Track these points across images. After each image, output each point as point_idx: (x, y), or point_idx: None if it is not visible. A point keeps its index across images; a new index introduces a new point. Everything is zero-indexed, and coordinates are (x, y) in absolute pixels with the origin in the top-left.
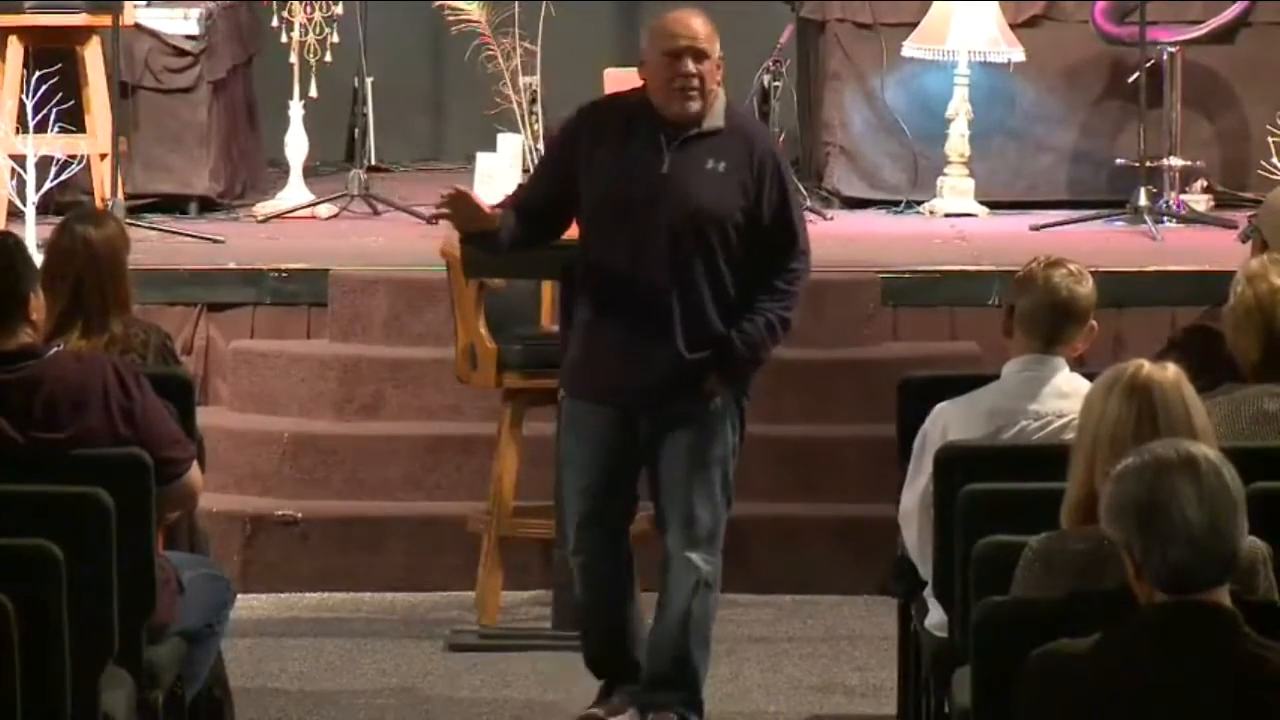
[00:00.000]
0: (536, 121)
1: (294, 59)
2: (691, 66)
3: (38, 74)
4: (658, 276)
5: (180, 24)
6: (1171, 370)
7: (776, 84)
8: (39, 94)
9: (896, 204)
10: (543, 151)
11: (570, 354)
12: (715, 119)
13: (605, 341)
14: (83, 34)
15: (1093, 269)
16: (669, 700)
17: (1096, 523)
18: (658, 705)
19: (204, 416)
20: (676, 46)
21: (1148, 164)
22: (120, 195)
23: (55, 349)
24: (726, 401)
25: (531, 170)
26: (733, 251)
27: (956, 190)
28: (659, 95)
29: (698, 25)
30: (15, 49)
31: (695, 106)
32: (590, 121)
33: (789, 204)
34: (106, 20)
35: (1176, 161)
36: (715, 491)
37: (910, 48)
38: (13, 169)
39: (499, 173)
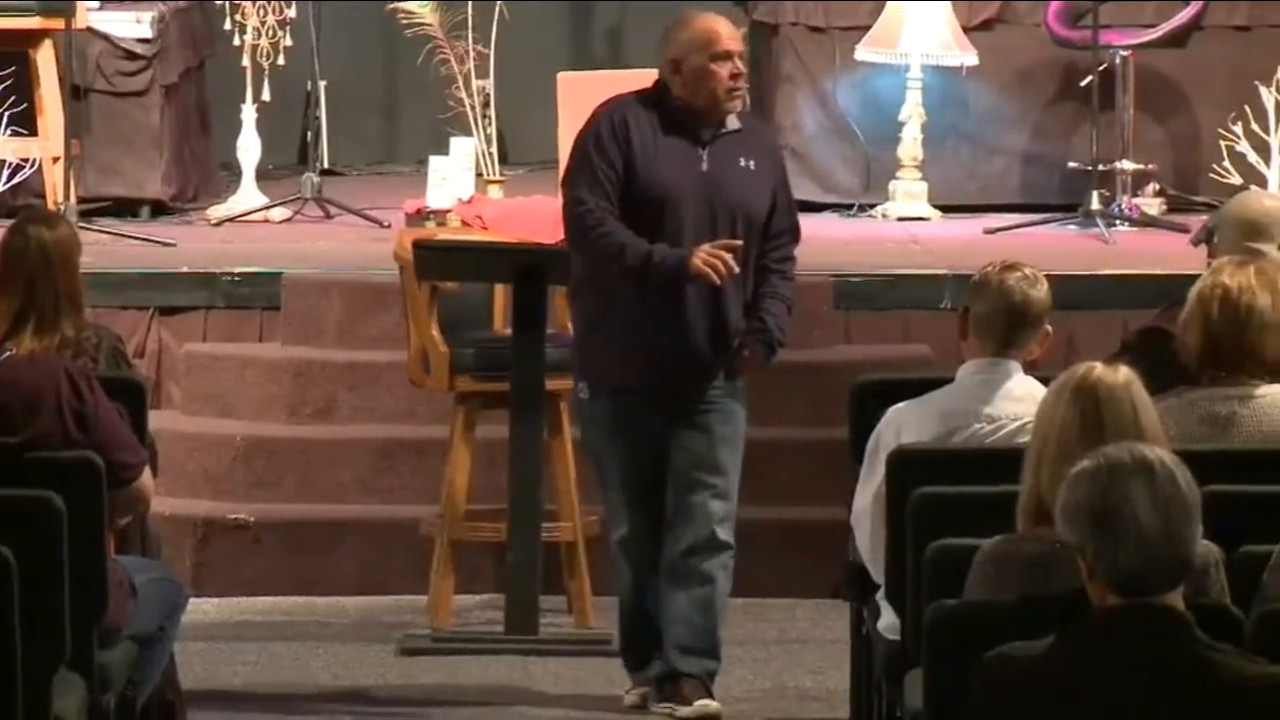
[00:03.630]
0: (489, 125)
1: (246, 62)
2: (738, 67)
3: None
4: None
5: (133, 27)
6: (1122, 373)
7: None
8: None
9: (849, 207)
10: (591, 160)
11: (601, 349)
12: (734, 119)
13: (648, 335)
14: (35, 37)
15: (1045, 272)
16: (701, 669)
17: (1047, 525)
18: (689, 673)
19: (156, 420)
20: (724, 49)
21: (1100, 167)
22: (73, 198)
23: (8, 353)
24: (746, 383)
25: (587, 181)
26: (756, 242)
27: (909, 194)
28: (704, 97)
29: (731, 28)
30: None
31: (739, 105)
32: (627, 120)
33: (791, 195)
34: (59, 23)
35: (1129, 165)
36: (738, 471)
37: (863, 51)
38: None
39: (451, 176)
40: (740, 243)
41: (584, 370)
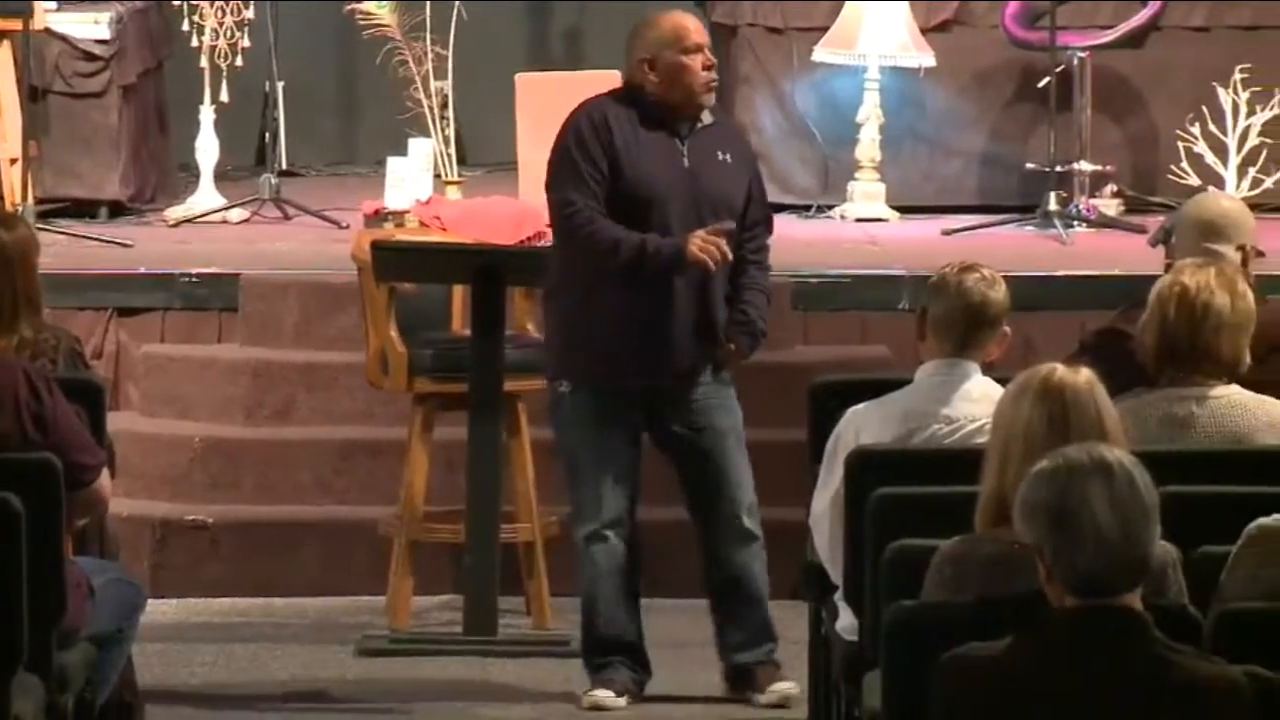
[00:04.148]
0: (448, 126)
1: (204, 63)
2: (710, 58)
3: None
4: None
5: (90, 28)
6: (1084, 374)
7: None
8: None
9: (807, 208)
10: (575, 160)
11: (585, 346)
12: (707, 114)
13: (635, 330)
14: None
15: (1003, 273)
16: (765, 655)
17: (1007, 526)
18: (758, 662)
19: (114, 421)
20: (695, 42)
21: (1058, 168)
22: (30, 199)
23: None
24: (734, 375)
25: (573, 181)
26: (737, 235)
27: (867, 195)
28: (681, 91)
29: (697, 22)
30: None
31: (713, 98)
32: (608, 118)
33: (763, 187)
34: (16, 24)
35: (1086, 166)
36: (748, 460)
37: (821, 52)
38: None
39: (410, 177)
40: (734, 225)
41: (565, 367)
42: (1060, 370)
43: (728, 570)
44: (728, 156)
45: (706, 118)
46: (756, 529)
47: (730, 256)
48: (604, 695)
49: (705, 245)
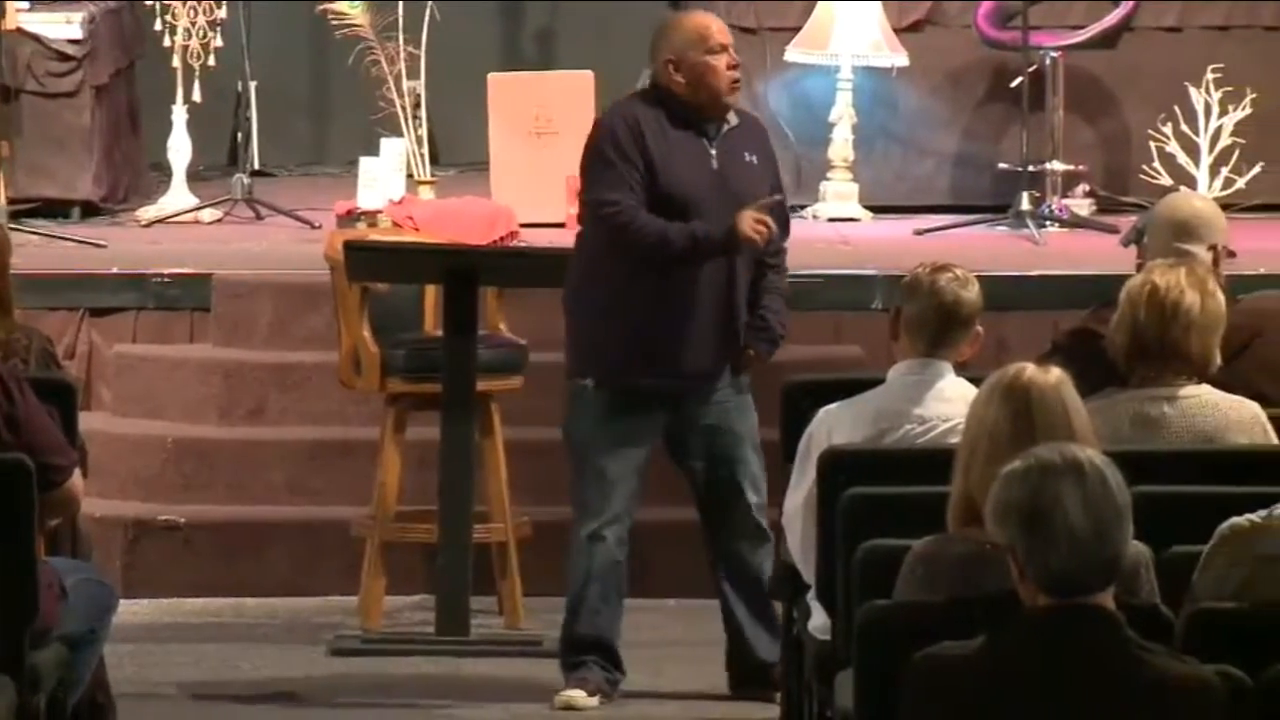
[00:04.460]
0: (420, 126)
1: (177, 63)
2: (734, 58)
3: None
4: (712, 269)
5: (63, 28)
6: (1054, 373)
7: None
8: None
9: None
10: (612, 161)
11: (611, 343)
12: (732, 114)
13: (661, 330)
14: None
15: (976, 273)
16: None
17: (978, 525)
18: (778, 660)
19: (86, 421)
20: (719, 42)
21: (1030, 168)
22: (2, 199)
23: None
24: (750, 380)
25: (610, 182)
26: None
27: (840, 195)
28: (707, 92)
29: (720, 22)
30: None
31: (739, 98)
32: (639, 120)
33: (783, 187)
34: None
35: (1059, 166)
36: (762, 462)
37: (793, 52)
38: None
39: (382, 177)
40: (780, 198)
41: (589, 365)
42: (1028, 370)
43: (748, 571)
44: (754, 158)
45: (732, 118)
46: (768, 530)
47: (776, 232)
48: (577, 695)
49: (756, 225)
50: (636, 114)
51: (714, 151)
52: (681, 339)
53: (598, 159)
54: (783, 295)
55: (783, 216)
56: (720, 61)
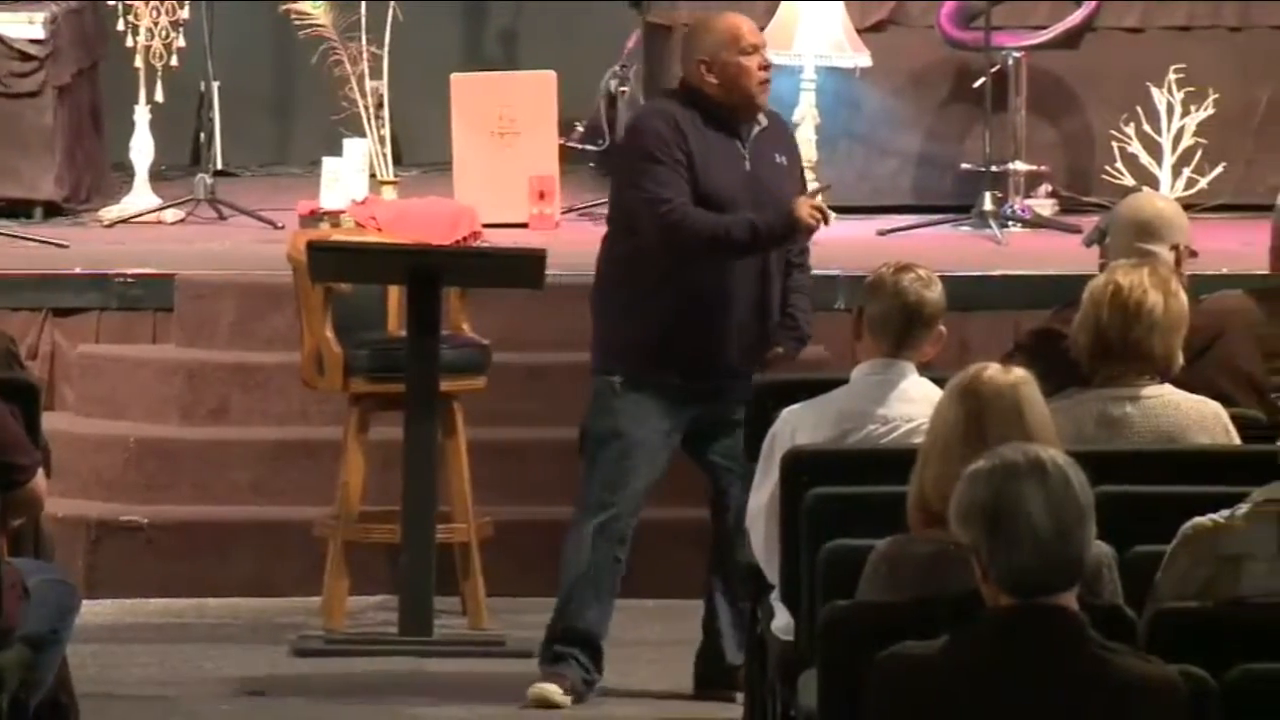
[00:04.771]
0: (383, 126)
1: (139, 63)
2: (765, 59)
3: None
4: (744, 265)
5: (25, 28)
6: (1014, 373)
7: (624, 89)
8: None
9: None
10: (659, 159)
11: (646, 340)
12: (762, 115)
13: (697, 330)
14: None
15: (938, 273)
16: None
17: (939, 525)
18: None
19: (49, 421)
20: (751, 43)
21: (993, 168)
22: None
23: None
24: None
25: (659, 181)
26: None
27: None
28: (740, 92)
29: (751, 23)
30: None
31: (768, 98)
32: (678, 122)
33: (805, 182)
34: None
35: (1021, 166)
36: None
37: None
38: None
39: (345, 177)
40: (829, 185)
41: (620, 361)
42: (987, 370)
43: (741, 572)
44: (783, 159)
45: (761, 119)
46: None
47: (831, 218)
48: (553, 690)
49: (814, 212)
50: (674, 114)
51: (746, 153)
52: (715, 338)
53: (645, 159)
54: (807, 294)
55: None
56: (753, 62)
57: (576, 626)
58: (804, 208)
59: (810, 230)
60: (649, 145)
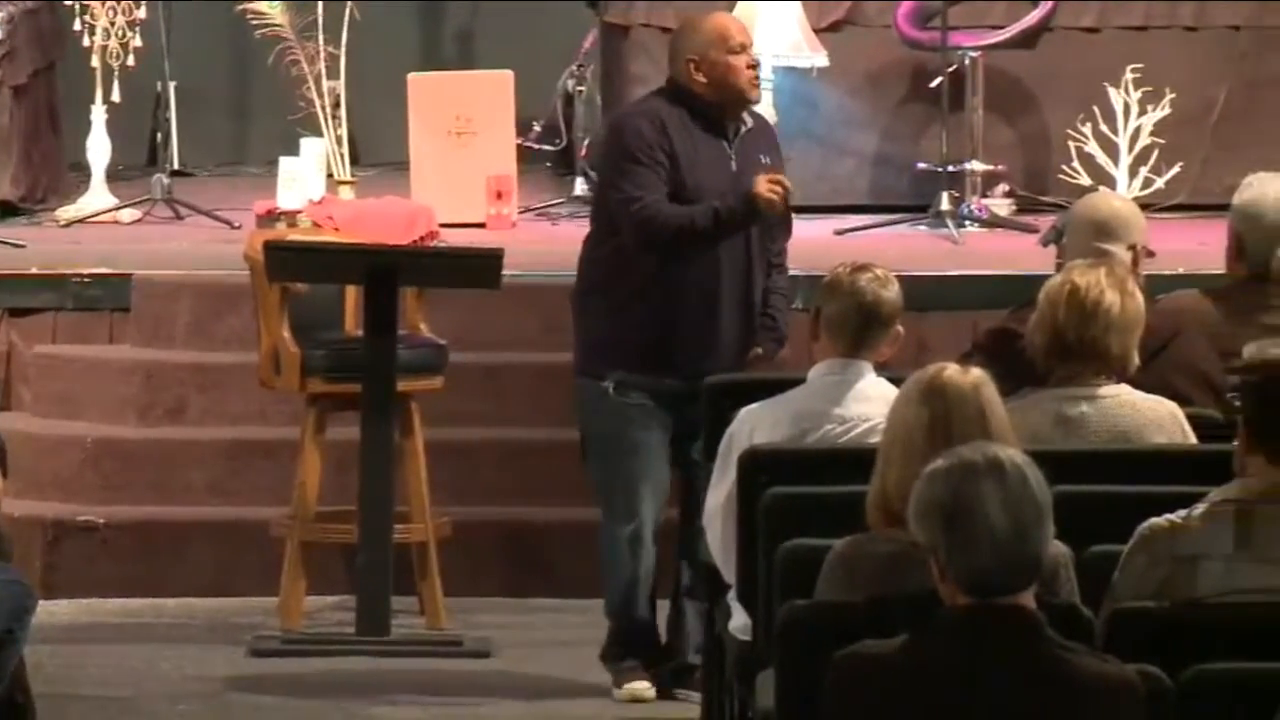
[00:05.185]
0: (340, 125)
1: (96, 63)
2: (753, 58)
3: None
4: (730, 265)
5: None
6: (973, 373)
7: (581, 88)
8: None
9: None
10: (638, 159)
11: (633, 342)
12: (747, 115)
13: (684, 330)
14: None
15: (895, 273)
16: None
17: (897, 525)
18: (694, 671)
19: (6, 421)
20: (740, 43)
21: (950, 168)
22: None
23: None
24: None
25: (636, 182)
26: (769, 234)
27: None
28: (730, 91)
29: (739, 22)
30: None
31: (759, 97)
32: (663, 121)
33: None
34: None
35: (978, 166)
36: None
37: None
38: None
39: (302, 177)
40: (780, 163)
41: (608, 364)
42: (946, 370)
43: (700, 572)
44: (767, 159)
45: (747, 119)
46: None
47: (792, 190)
48: (639, 686)
49: (772, 187)
50: (660, 113)
51: (732, 153)
52: (702, 338)
53: (625, 158)
54: (786, 295)
55: (786, 214)
56: (741, 61)
57: (636, 629)
58: (760, 183)
59: (769, 203)
60: (629, 145)
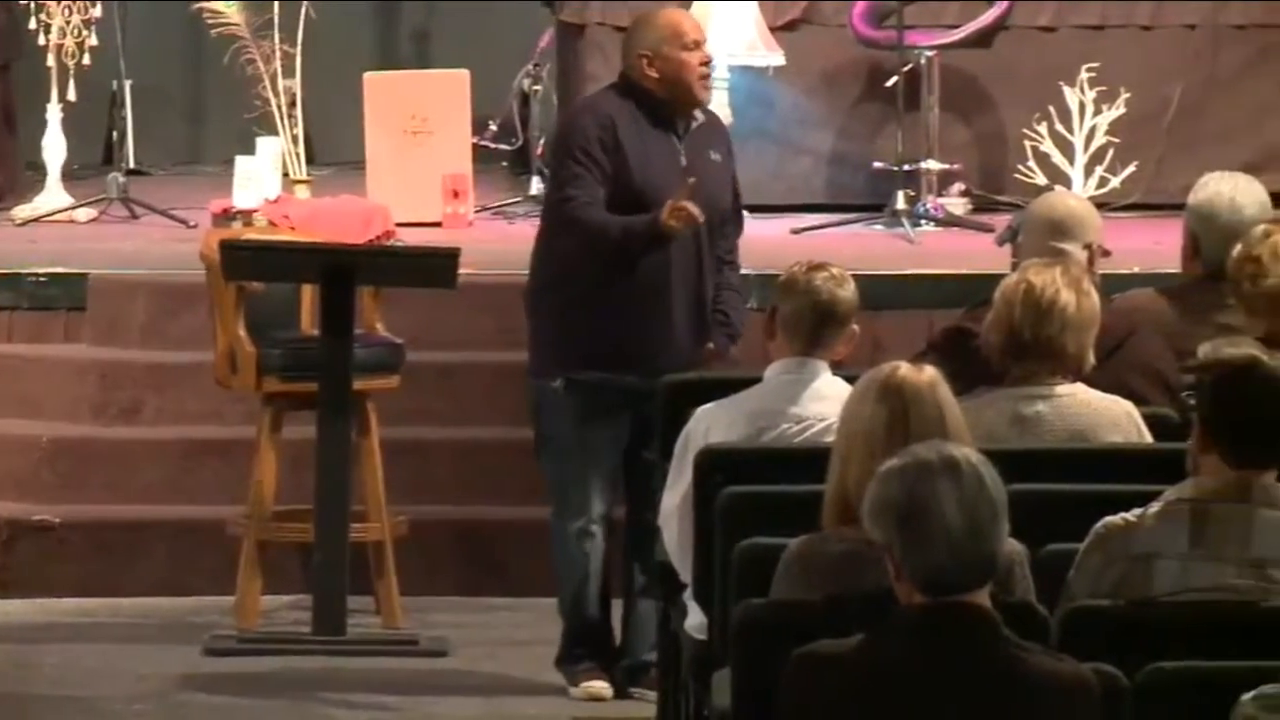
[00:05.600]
0: (296, 124)
1: (52, 62)
2: (707, 55)
3: None
4: (681, 262)
5: None
6: (928, 372)
7: (536, 88)
8: None
9: None
10: (578, 158)
11: (584, 340)
12: (698, 111)
13: (634, 325)
14: None
15: (851, 272)
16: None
17: (853, 524)
18: (648, 670)
19: None
20: (694, 40)
21: (905, 167)
22: None
23: None
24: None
25: (574, 181)
26: (720, 231)
27: None
28: (680, 88)
29: (694, 19)
30: None
31: (710, 96)
32: (613, 118)
33: (739, 185)
34: None
35: (934, 165)
36: None
37: None
38: None
39: (258, 176)
40: (694, 180)
41: (558, 363)
42: (902, 369)
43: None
44: (717, 156)
45: (698, 115)
46: None
47: (701, 218)
48: (596, 685)
49: (674, 212)
50: (610, 110)
51: (681, 149)
52: (653, 336)
53: (566, 156)
54: (738, 291)
55: (737, 211)
56: (694, 58)
57: (589, 626)
58: (665, 210)
59: (672, 230)
60: (571, 144)
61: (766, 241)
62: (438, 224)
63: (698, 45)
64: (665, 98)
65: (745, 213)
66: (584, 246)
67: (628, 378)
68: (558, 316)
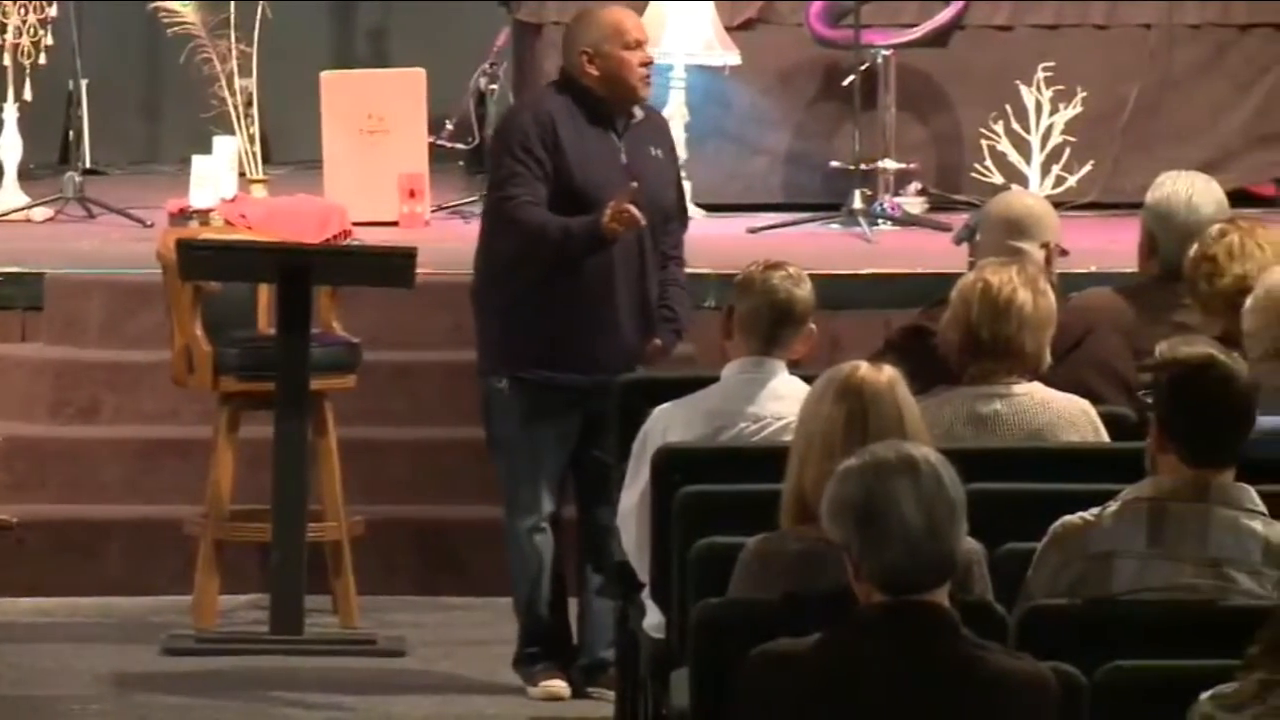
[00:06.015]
0: (252, 124)
1: (7, 61)
2: (648, 55)
3: None
4: (625, 259)
5: None
6: (886, 372)
7: (493, 87)
8: None
9: None
10: (518, 157)
11: (528, 339)
12: (638, 108)
13: (578, 324)
14: None
15: (809, 271)
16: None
17: (811, 523)
18: (606, 669)
19: None
20: (635, 38)
21: (862, 167)
22: None
23: None
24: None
25: (514, 180)
26: (663, 228)
27: None
28: (621, 86)
29: (636, 18)
30: None
31: (650, 93)
32: (553, 116)
33: (682, 181)
34: None
35: (891, 164)
36: None
37: None
38: None
39: (214, 175)
40: (635, 185)
41: (503, 362)
42: (861, 369)
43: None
44: (658, 152)
45: (637, 112)
46: None
47: (643, 221)
48: (555, 685)
49: (616, 216)
50: (550, 109)
51: (622, 146)
52: (597, 334)
53: (505, 155)
54: (683, 287)
55: (681, 208)
56: (635, 57)
57: (545, 625)
58: (607, 214)
59: (613, 234)
60: (511, 143)
61: (723, 241)
62: (394, 223)
63: (639, 44)
64: (605, 95)
65: (702, 212)
66: (524, 246)
67: (573, 376)
68: (502, 315)
